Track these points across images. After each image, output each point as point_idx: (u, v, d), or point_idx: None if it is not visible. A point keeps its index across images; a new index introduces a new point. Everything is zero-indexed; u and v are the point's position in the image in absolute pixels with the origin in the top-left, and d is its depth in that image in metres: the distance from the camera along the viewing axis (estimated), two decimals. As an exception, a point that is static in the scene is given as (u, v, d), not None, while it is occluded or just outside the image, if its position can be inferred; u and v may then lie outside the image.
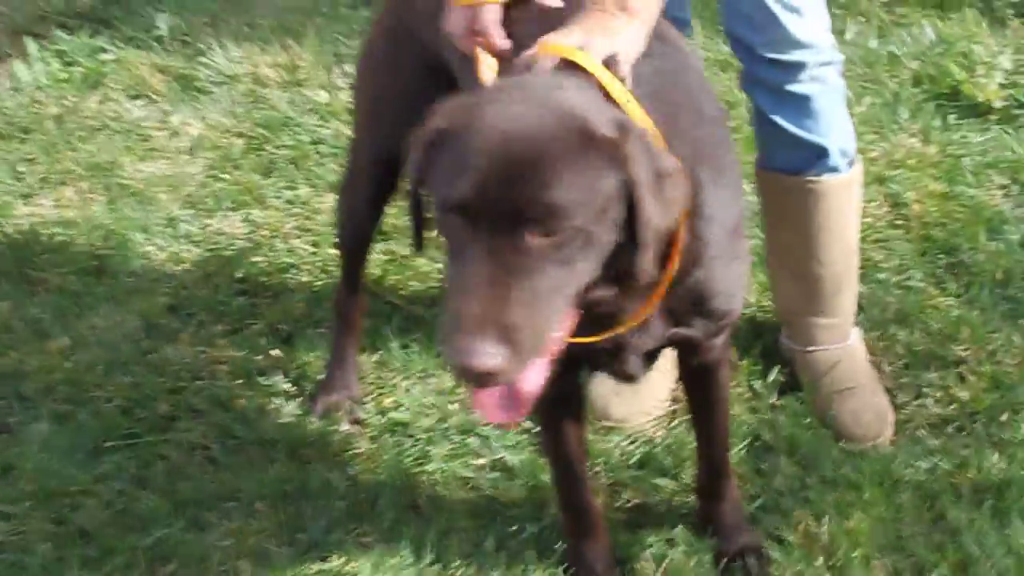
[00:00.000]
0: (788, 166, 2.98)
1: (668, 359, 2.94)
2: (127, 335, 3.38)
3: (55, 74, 4.61)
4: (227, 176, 4.02)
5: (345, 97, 4.35)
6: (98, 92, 4.50)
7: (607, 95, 2.11)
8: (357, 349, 3.20)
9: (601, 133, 1.99)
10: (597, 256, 2.01)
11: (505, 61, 2.30)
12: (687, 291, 2.28)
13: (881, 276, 3.45)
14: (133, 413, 3.16)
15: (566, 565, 2.74)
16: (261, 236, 3.73)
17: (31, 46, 4.72)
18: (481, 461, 3.01)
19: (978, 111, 4.11)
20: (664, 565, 2.74)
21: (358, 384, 3.18)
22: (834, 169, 2.98)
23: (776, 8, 2.79)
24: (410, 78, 2.79)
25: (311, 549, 2.81)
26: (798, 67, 2.85)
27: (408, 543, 2.79)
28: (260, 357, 3.30)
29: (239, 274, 3.58)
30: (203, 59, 4.62)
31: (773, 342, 3.24)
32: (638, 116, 2.11)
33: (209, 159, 4.12)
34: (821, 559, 2.73)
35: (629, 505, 2.90)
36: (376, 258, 3.46)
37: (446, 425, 3.10)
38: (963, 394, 3.11)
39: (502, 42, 2.34)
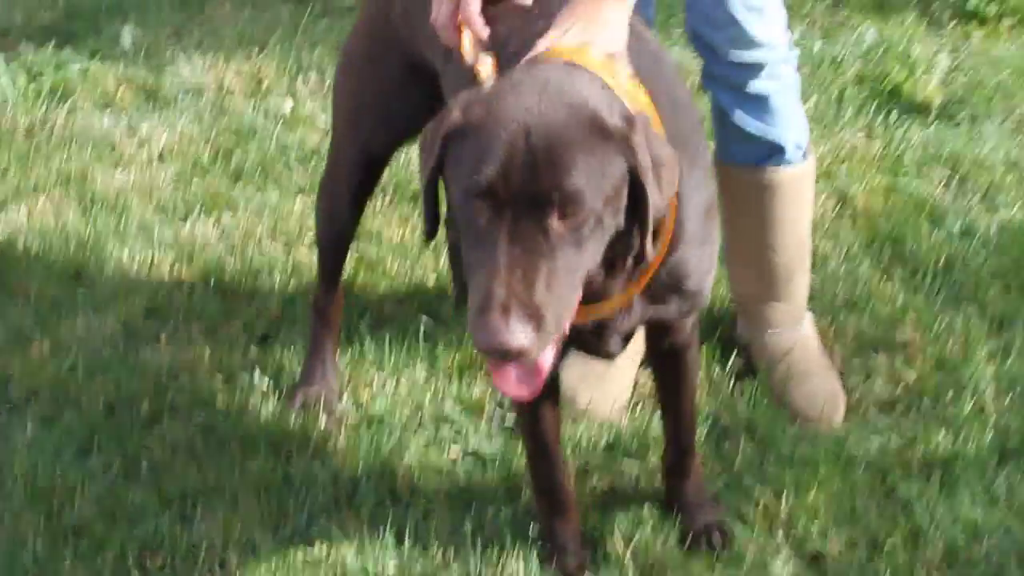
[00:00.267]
0: (747, 159, 3.11)
1: (634, 348, 3.09)
2: (107, 339, 3.46)
3: (22, 87, 4.67)
4: (197, 183, 4.11)
5: (310, 105, 4.47)
6: (66, 104, 4.57)
7: (612, 85, 2.24)
8: (335, 345, 3.30)
9: (611, 123, 2.13)
10: (604, 239, 2.15)
11: (503, 60, 2.41)
12: (667, 272, 2.41)
13: (830, 266, 3.60)
14: (116, 413, 3.24)
15: (540, 545, 2.84)
16: (234, 240, 3.83)
17: (-4, 61, 4.80)
18: (456, 450, 3.12)
19: (918, 108, 4.29)
20: (633, 542, 2.85)
21: (336, 379, 3.28)
22: (790, 162, 3.11)
23: (738, 8, 2.92)
24: (390, 78, 2.89)
25: (296, 537, 2.89)
26: (758, 67, 2.99)
27: (389, 528, 2.88)
28: (238, 356, 3.39)
29: (214, 277, 3.67)
30: (168, 70, 4.71)
31: (730, 331, 3.38)
32: (643, 104, 2.26)
33: (178, 167, 4.21)
34: (781, 533, 2.86)
35: (598, 487, 3.01)
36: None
37: (420, 417, 3.21)
38: (910, 375, 3.25)
39: (483, 30, 2.45)
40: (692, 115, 2.53)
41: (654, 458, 3.04)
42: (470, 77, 2.43)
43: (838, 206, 3.85)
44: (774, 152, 3.10)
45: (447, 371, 3.33)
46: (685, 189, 2.35)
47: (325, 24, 5.01)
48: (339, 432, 3.16)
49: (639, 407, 3.22)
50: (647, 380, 3.24)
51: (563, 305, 2.12)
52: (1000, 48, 4.62)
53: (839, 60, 4.53)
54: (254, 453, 3.11)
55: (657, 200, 2.18)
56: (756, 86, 3.02)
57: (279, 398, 3.27)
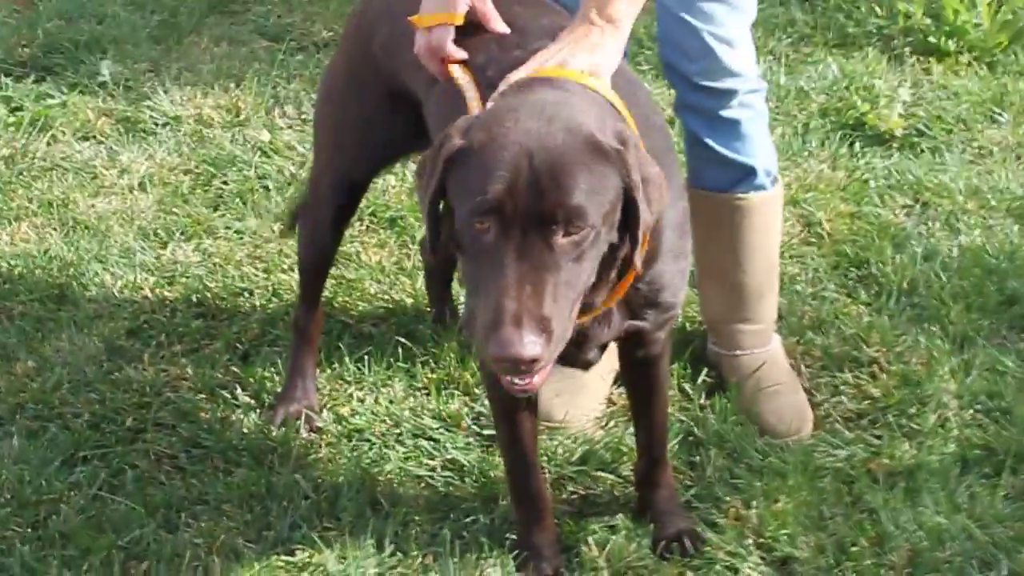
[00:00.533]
0: (718, 185, 3.21)
1: (607, 367, 3.19)
2: (91, 357, 3.52)
3: (3, 118, 4.73)
4: (178, 210, 4.18)
5: (287, 136, 4.56)
6: (46, 135, 4.63)
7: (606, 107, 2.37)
8: (315, 363, 3.37)
9: (607, 143, 2.25)
10: (600, 254, 2.28)
11: (483, 86, 2.54)
12: (644, 285, 2.54)
13: (798, 288, 3.71)
14: (101, 427, 3.29)
15: (516, 552, 2.90)
16: (214, 264, 3.90)
17: (-23, 93, 4.87)
18: (434, 461, 3.19)
19: (881, 139, 4.43)
20: (607, 549, 2.92)
21: (316, 395, 3.35)
22: (760, 187, 3.22)
23: (710, 40, 3.03)
24: (372, 106, 2.99)
25: (278, 545, 2.96)
26: (730, 94, 3.10)
27: (369, 536, 2.94)
28: (220, 373, 3.45)
29: (195, 299, 3.74)
30: (147, 103, 4.78)
31: (701, 348, 3.47)
32: (629, 122, 2.39)
33: (159, 195, 4.28)
34: (751, 539, 2.94)
35: (573, 497, 3.09)
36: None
37: (399, 430, 3.27)
38: (875, 391, 3.35)
39: (459, 54, 2.60)
40: (667, 136, 2.67)
41: (627, 469, 3.13)
42: (460, 100, 2.55)
43: (804, 231, 3.97)
44: (746, 176, 3.20)
45: (425, 387, 3.41)
46: None
47: (301, 59, 5.10)
48: (320, 444, 3.23)
49: (612, 422, 3.30)
50: (620, 397, 3.33)
51: (568, 316, 2.25)
52: (959, 82, 4.76)
53: (804, 92, 4.66)
54: (237, 464, 3.18)
55: (647, 216, 2.30)
56: (727, 113, 3.13)
57: (261, 413, 3.33)
